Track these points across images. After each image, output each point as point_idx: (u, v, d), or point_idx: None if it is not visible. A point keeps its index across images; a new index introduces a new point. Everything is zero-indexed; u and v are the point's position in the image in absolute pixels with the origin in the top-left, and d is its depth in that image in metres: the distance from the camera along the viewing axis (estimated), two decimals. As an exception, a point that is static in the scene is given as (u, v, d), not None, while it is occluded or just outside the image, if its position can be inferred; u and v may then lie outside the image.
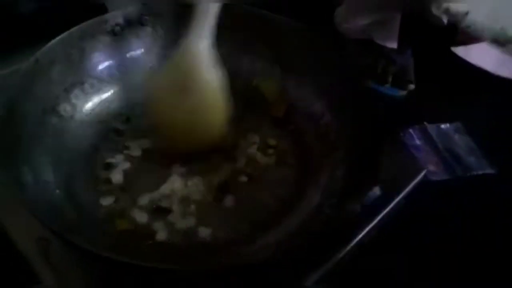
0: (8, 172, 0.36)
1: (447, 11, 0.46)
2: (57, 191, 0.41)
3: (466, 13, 0.47)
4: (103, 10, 0.57)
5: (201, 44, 0.43)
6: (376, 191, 0.44)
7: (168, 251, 0.40)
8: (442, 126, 0.61)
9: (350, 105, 0.47)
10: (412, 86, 0.65)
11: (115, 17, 0.49)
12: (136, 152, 0.47)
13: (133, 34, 0.51)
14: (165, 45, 0.52)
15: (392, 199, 0.46)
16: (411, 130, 0.60)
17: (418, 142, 0.59)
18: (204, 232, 0.42)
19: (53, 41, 0.45)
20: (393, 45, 0.64)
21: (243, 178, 0.46)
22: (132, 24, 0.51)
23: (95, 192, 0.43)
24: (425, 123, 0.61)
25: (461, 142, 0.60)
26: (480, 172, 0.56)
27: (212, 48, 0.43)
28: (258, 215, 0.43)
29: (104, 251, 0.32)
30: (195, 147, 0.45)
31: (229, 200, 0.45)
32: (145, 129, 0.49)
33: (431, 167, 0.57)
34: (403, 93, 0.65)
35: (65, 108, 0.47)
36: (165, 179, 0.45)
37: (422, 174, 0.51)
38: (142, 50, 0.52)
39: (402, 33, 0.63)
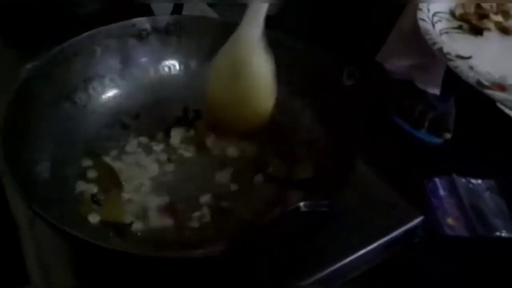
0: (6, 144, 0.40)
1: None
2: (46, 172, 0.44)
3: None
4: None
5: (254, 31, 0.45)
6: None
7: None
8: (473, 181, 0.58)
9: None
10: (449, 135, 0.61)
11: (143, 23, 0.54)
12: (131, 148, 0.50)
13: (158, 41, 0.55)
14: (187, 55, 0.56)
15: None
16: (437, 179, 0.57)
17: (442, 192, 0.57)
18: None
19: (81, 36, 0.50)
20: (435, 91, 0.61)
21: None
22: (158, 32, 0.54)
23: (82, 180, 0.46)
24: (454, 174, 0.58)
25: (490, 201, 0.57)
26: (504, 235, 0.52)
27: (262, 35, 0.46)
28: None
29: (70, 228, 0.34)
30: (243, 128, 0.49)
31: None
32: (152, 127, 0.52)
33: (450, 221, 0.54)
34: (438, 140, 0.62)
35: (80, 97, 0.51)
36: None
37: (415, 221, 0.48)
38: (164, 56, 0.56)
39: (446, 80, 0.60)
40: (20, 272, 0.41)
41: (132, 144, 0.50)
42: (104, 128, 0.51)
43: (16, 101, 0.44)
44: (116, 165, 0.48)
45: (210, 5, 0.77)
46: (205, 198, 0.46)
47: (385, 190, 0.50)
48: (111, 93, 0.54)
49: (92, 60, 0.52)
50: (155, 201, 0.45)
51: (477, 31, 0.56)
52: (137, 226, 0.43)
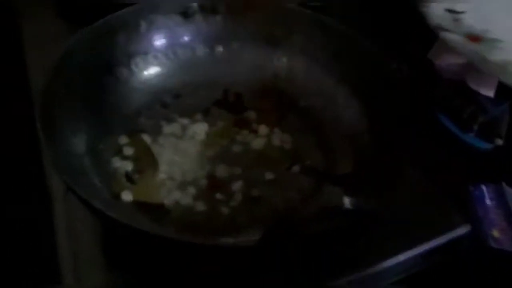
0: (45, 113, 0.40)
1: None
2: (83, 145, 0.44)
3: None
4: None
5: None
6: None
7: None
8: (524, 191, 0.54)
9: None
10: (500, 141, 0.58)
11: (190, 0, 0.52)
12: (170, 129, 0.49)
13: (203, 19, 0.54)
14: (231, 36, 0.54)
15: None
16: (483, 187, 0.53)
17: (488, 202, 0.53)
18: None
19: (125, 9, 0.49)
20: (489, 93, 0.58)
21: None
22: (205, 10, 0.53)
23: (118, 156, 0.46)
24: (503, 183, 0.54)
25: None
26: None
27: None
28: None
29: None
30: None
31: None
32: (191, 108, 0.51)
33: (495, 233, 0.50)
34: (488, 146, 0.58)
35: (122, 72, 0.50)
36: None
37: (461, 231, 0.46)
38: (208, 36, 0.54)
39: (502, 83, 0.57)
40: (50, 249, 0.40)
41: (171, 125, 0.49)
42: (144, 106, 0.50)
43: (57, 70, 0.43)
44: (154, 144, 0.47)
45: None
46: (238, 185, 0.45)
47: (431, 193, 0.48)
48: (153, 70, 0.53)
49: (136, 35, 0.51)
50: (189, 185, 0.44)
51: None
52: (169, 208, 0.42)
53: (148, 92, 0.52)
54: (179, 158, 0.46)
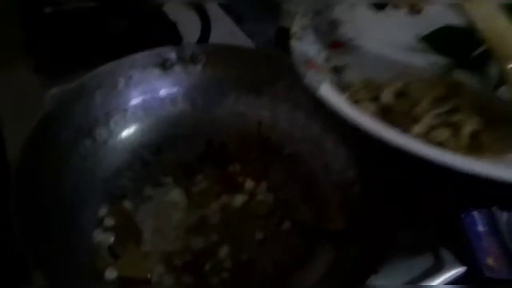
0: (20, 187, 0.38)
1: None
2: (62, 218, 0.42)
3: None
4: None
5: None
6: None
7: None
8: (516, 215, 0.53)
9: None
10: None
11: (168, 52, 0.51)
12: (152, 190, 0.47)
13: (182, 70, 0.52)
14: (211, 85, 0.53)
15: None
16: (475, 213, 0.52)
17: (481, 228, 0.52)
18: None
19: (102, 67, 0.48)
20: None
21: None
22: (184, 61, 0.51)
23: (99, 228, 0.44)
24: (494, 208, 0.52)
25: None
26: None
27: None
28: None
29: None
30: None
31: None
32: (173, 165, 0.49)
33: (490, 261, 0.49)
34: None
35: (101, 133, 0.48)
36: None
37: (456, 272, 0.45)
38: (188, 86, 0.53)
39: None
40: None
41: (153, 188, 0.47)
42: (124, 165, 0.49)
43: (32, 140, 0.42)
44: (136, 211, 0.45)
45: (238, 21, 0.74)
46: (225, 250, 0.43)
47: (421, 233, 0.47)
48: (132, 127, 0.51)
49: (114, 92, 0.49)
50: (175, 256, 0.42)
51: (380, 5, 0.52)
52: (155, 282, 0.40)
53: (128, 150, 0.50)
54: (163, 226, 0.44)
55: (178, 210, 0.46)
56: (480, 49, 0.42)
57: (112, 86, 0.49)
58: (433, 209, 0.51)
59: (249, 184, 0.49)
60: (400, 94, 0.39)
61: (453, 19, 0.46)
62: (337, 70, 0.43)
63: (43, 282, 0.36)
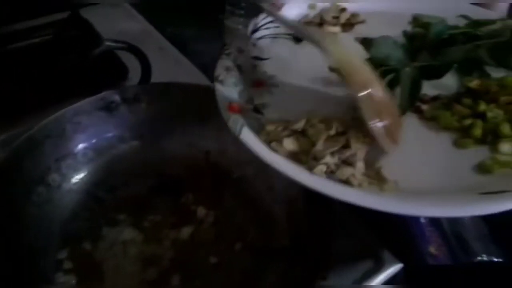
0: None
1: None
2: (25, 265, 0.44)
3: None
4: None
5: None
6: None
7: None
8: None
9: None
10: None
11: (112, 95, 0.53)
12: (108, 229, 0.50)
13: (127, 110, 0.55)
14: (158, 121, 0.56)
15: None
16: None
17: (422, 220, 0.56)
18: None
19: (49, 118, 0.50)
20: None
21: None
22: (128, 102, 0.54)
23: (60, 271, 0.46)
24: None
25: (471, 226, 0.57)
26: (486, 259, 0.53)
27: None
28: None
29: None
30: None
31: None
32: (127, 201, 0.52)
33: (432, 250, 0.54)
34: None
35: (53, 178, 0.51)
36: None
37: (394, 269, 0.49)
38: (135, 125, 0.56)
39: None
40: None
41: (109, 227, 0.50)
42: (80, 206, 0.51)
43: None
44: (95, 250, 0.48)
45: (183, 46, 0.77)
46: (178, 278, 0.46)
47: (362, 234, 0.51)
48: (84, 169, 0.54)
49: (62, 140, 0.52)
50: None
51: (298, 38, 0.55)
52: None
53: (82, 192, 0.52)
54: (120, 262, 0.47)
55: (134, 245, 0.48)
56: (387, 79, 0.47)
57: (60, 134, 0.51)
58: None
59: (201, 211, 0.52)
60: (302, 133, 0.42)
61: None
62: (258, 110, 0.45)
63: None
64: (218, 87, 0.45)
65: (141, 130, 0.56)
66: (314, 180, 0.38)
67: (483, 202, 0.36)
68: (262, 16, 0.55)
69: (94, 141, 0.54)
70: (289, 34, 0.56)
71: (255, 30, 0.55)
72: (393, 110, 0.42)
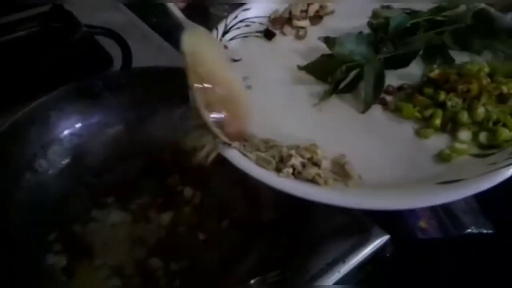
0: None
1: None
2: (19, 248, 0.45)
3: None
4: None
5: None
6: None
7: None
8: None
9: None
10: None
11: (94, 81, 0.54)
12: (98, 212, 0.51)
13: (111, 96, 0.56)
14: (141, 105, 0.57)
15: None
16: None
17: None
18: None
19: (33, 104, 0.51)
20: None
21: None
22: (110, 87, 0.55)
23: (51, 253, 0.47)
24: None
25: (461, 200, 0.57)
26: (475, 231, 0.55)
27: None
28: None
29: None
30: None
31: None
32: (115, 184, 0.53)
33: (422, 224, 0.56)
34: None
35: (40, 164, 0.52)
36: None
37: (382, 240, 0.49)
38: (119, 109, 0.57)
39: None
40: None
41: (98, 210, 0.51)
42: (69, 192, 0.52)
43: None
44: (85, 233, 0.49)
45: (167, 34, 0.78)
46: (169, 254, 0.48)
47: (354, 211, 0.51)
48: (71, 154, 0.54)
49: (47, 126, 0.53)
50: (129, 265, 0.46)
51: (269, 35, 0.56)
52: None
53: (70, 177, 0.53)
54: (111, 243, 0.48)
55: (123, 227, 0.49)
56: (352, 74, 0.49)
57: (44, 121, 0.52)
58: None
59: (187, 192, 0.53)
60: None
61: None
62: None
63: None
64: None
65: (125, 114, 0.57)
66: (281, 182, 0.39)
67: (440, 191, 0.37)
68: (231, 17, 0.56)
69: (79, 127, 0.55)
70: (259, 32, 0.57)
71: (226, 32, 0.55)
72: (236, 108, 0.43)
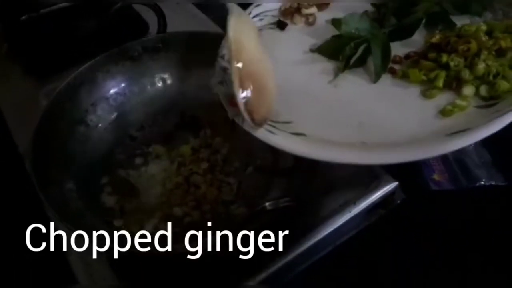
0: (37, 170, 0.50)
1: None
2: (74, 189, 0.53)
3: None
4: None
5: None
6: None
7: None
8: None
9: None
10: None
11: (134, 45, 0.61)
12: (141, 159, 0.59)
13: (149, 59, 0.63)
14: (176, 67, 0.64)
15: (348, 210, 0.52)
16: None
17: None
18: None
19: (82, 67, 0.58)
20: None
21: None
22: (148, 51, 0.62)
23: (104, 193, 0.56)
24: None
25: (474, 153, 0.61)
26: (487, 183, 0.58)
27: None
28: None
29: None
30: None
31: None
32: (155, 136, 0.61)
33: (436, 176, 0.59)
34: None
35: (91, 119, 0.60)
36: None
37: (390, 187, 0.54)
38: (156, 71, 0.64)
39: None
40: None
41: (141, 157, 0.59)
42: (116, 142, 0.60)
43: (37, 134, 0.53)
44: (131, 176, 0.57)
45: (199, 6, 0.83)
46: (209, 194, 0.55)
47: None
48: (117, 111, 0.62)
49: (95, 86, 0.60)
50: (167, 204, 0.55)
51: (281, 25, 0.58)
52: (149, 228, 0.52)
53: (117, 130, 0.61)
54: (155, 183, 0.56)
55: (162, 172, 0.57)
56: (361, 50, 0.51)
57: (93, 81, 0.60)
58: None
59: (217, 143, 0.60)
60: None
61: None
62: None
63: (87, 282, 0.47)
64: (219, 87, 0.49)
65: (163, 76, 0.64)
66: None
67: (449, 140, 0.40)
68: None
69: (122, 87, 0.62)
70: (273, 24, 0.59)
71: None
72: (266, 96, 0.45)
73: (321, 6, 0.60)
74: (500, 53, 0.48)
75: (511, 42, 0.48)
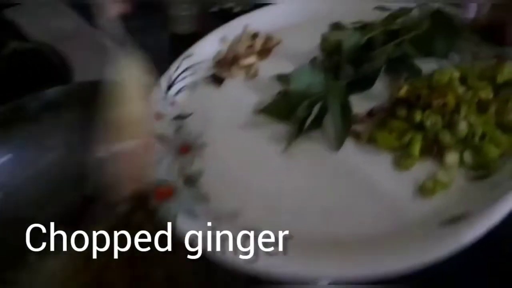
0: None
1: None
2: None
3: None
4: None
5: None
6: None
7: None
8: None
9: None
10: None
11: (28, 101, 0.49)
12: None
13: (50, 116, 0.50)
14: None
15: None
16: None
17: None
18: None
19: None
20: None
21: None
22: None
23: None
24: None
25: None
26: None
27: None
28: None
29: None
30: None
31: None
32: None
33: None
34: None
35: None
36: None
37: None
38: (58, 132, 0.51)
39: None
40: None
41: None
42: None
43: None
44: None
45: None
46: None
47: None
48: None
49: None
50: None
51: (217, 80, 0.52)
52: None
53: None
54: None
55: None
56: (316, 109, 0.43)
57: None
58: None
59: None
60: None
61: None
62: (192, 182, 0.42)
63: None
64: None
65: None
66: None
67: (442, 239, 0.31)
68: (174, 67, 0.51)
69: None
70: (208, 77, 0.52)
71: (171, 85, 0.51)
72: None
73: (261, 55, 0.52)
74: (482, 106, 0.40)
75: (492, 92, 0.40)
